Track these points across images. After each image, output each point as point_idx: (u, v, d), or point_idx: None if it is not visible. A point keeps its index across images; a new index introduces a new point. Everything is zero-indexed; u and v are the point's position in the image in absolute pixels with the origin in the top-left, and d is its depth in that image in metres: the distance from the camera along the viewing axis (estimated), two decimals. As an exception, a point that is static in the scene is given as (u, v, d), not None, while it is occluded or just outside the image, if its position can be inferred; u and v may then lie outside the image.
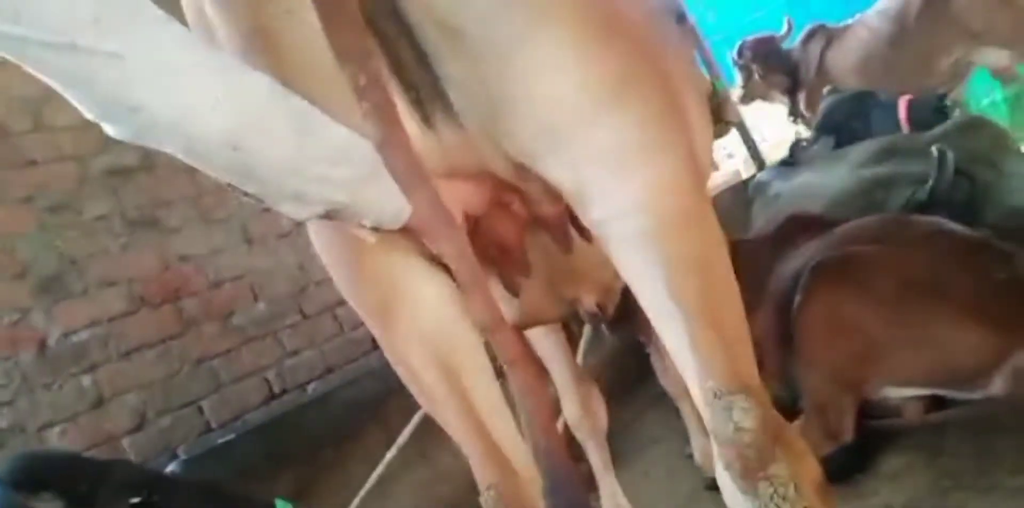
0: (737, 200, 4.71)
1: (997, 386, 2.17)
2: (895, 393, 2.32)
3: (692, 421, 2.58)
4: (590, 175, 1.04)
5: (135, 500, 1.65)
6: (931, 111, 3.88)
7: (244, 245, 3.54)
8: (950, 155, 3.14)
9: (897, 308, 2.28)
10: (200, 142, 0.87)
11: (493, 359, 1.24)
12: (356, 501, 2.34)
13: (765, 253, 2.91)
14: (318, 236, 1.24)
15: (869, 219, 2.79)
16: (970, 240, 2.44)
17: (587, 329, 3.07)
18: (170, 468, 2.53)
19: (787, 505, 0.99)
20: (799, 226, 2.99)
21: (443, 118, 1.04)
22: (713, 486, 2.42)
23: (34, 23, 0.77)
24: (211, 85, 0.86)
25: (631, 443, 3.11)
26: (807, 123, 5.94)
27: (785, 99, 6.03)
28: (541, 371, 1.35)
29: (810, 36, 5.70)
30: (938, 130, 3.50)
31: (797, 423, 2.30)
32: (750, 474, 1.00)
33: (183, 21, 1.07)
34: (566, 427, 2.83)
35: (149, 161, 3.37)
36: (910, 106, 3.92)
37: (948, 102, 3.99)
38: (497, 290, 1.58)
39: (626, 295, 3.03)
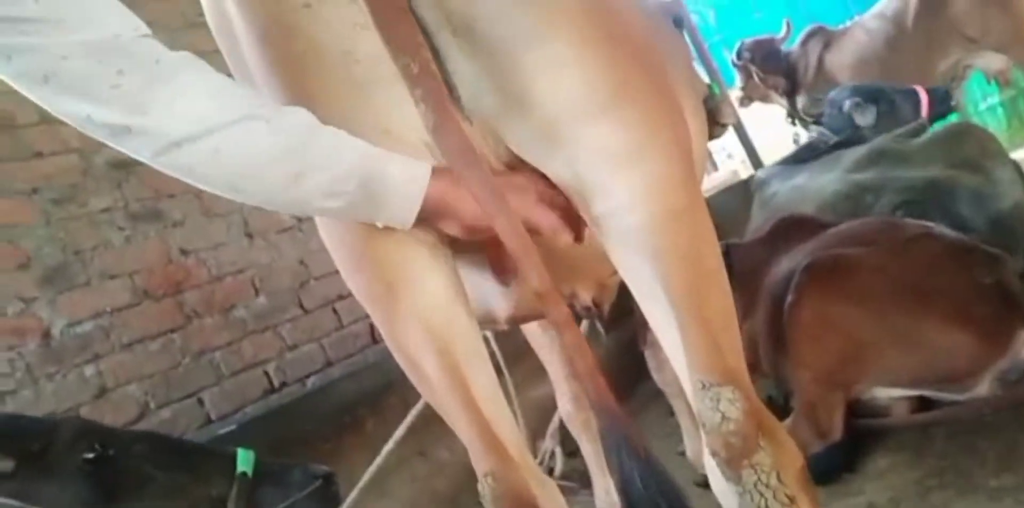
0: (734, 200, 4.76)
1: (983, 388, 2.23)
2: (883, 393, 2.38)
3: (685, 419, 2.63)
4: (589, 172, 1.09)
5: (89, 455, 1.63)
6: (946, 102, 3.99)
7: (245, 239, 3.58)
8: None
9: (886, 310, 2.33)
10: (201, 180, 1.03)
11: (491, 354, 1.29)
12: (354, 493, 2.38)
13: (759, 256, 2.95)
14: (326, 230, 1.28)
15: (861, 221, 2.84)
16: (958, 244, 2.49)
17: (583, 329, 3.12)
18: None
19: (769, 493, 1.04)
20: (792, 228, 3.03)
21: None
22: (704, 483, 2.46)
23: None
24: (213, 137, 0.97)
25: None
26: (805, 124, 5.99)
27: (783, 101, 6.07)
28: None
29: (809, 37, 5.74)
30: (927, 136, 3.55)
31: (787, 421, 2.35)
32: (735, 462, 1.04)
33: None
34: (560, 422, 2.89)
35: (153, 155, 3.40)
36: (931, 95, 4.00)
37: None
38: (494, 286, 1.63)
39: (621, 296, 3.08)
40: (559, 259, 1.59)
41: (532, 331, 2.42)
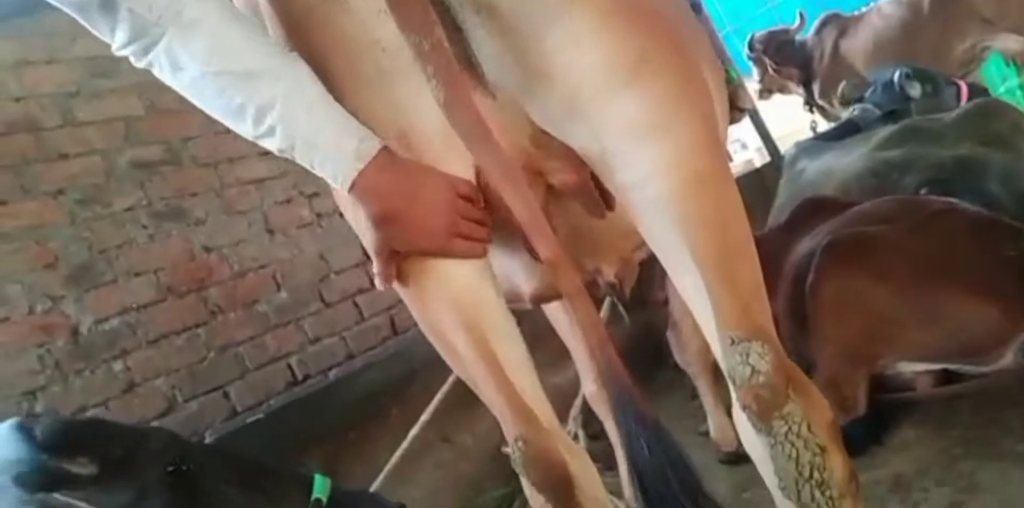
0: (748, 190, 4.74)
1: (1007, 360, 2.21)
2: (907, 367, 2.36)
3: (708, 398, 2.63)
4: (613, 143, 1.11)
5: (171, 468, 1.63)
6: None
7: (266, 235, 3.62)
8: None
9: (908, 284, 2.32)
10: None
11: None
12: (380, 478, 2.40)
13: (781, 242, 2.95)
14: (347, 204, 1.30)
15: (882, 200, 2.83)
16: (980, 217, 2.47)
17: (604, 311, 3.12)
18: (199, 447, 2.60)
19: (800, 442, 1.05)
20: (814, 209, 3.02)
21: (473, 87, 1.12)
22: (727, 460, 2.49)
23: None
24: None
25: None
26: (824, 113, 5.96)
27: (801, 90, 6.04)
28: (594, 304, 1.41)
29: (823, 25, 5.71)
30: (956, 113, 3.52)
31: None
32: (765, 414, 1.05)
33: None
34: (585, 402, 2.89)
35: (174, 155, 3.46)
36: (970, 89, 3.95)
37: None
38: (519, 261, 1.64)
39: (641, 280, 3.09)
40: (583, 234, 1.62)
41: (556, 315, 2.43)
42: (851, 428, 2.24)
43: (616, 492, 2.46)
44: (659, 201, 1.10)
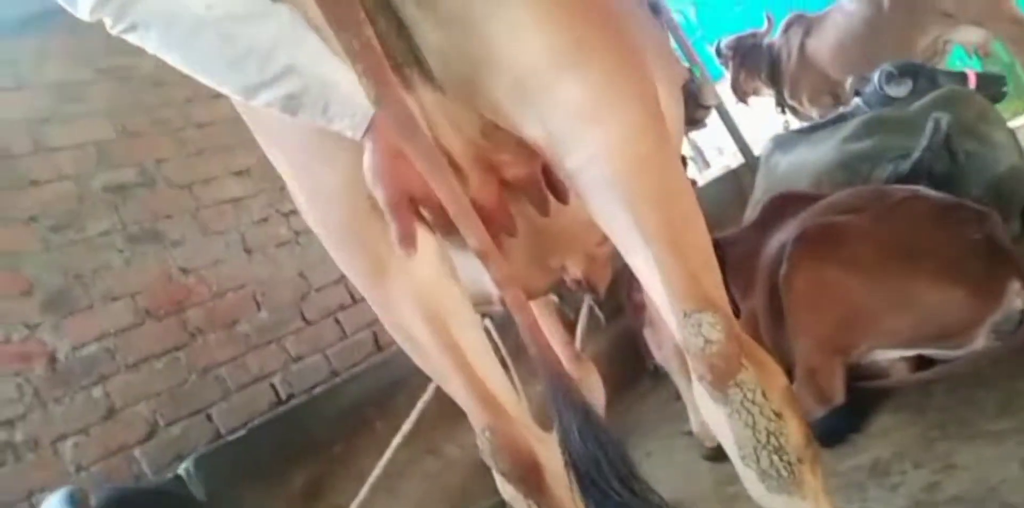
0: (724, 191, 4.79)
1: (979, 341, 2.23)
2: (882, 355, 2.38)
3: (687, 394, 2.63)
4: (559, 128, 1.12)
5: None
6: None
7: (244, 255, 3.61)
8: (944, 124, 3.13)
9: (878, 272, 2.33)
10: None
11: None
12: (364, 490, 2.39)
13: (753, 240, 2.97)
14: (312, 207, 1.30)
15: (849, 191, 2.86)
16: (945, 202, 2.50)
17: (582, 316, 3.13)
18: (183, 466, 2.58)
19: (756, 409, 1.06)
20: (783, 206, 3.04)
21: (422, 83, 1.14)
22: (710, 457, 2.49)
23: None
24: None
25: (633, 427, 3.16)
26: (795, 113, 6.02)
27: (772, 91, 6.10)
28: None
29: (789, 26, 5.79)
30: (923, 101, 3.53)
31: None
32: (720, 383, 1.07)
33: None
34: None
35: (147, 177, 3.45)
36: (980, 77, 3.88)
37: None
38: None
39: (618, 289, 3.09)
40: (544, 231, 1.62)
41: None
42: (829, 417, 2.25)
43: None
44: (606, 181, 1.12)
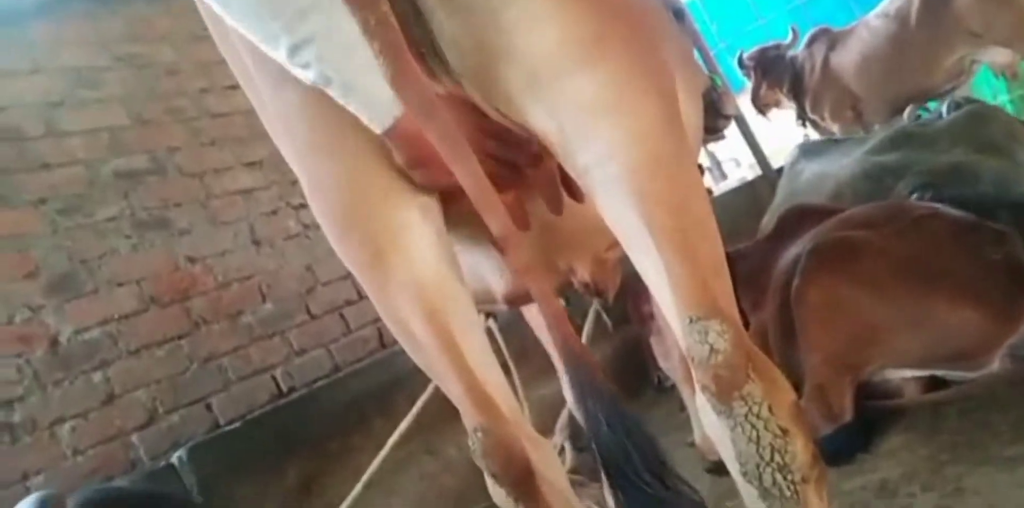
0: (741, 203, 4.75)
1: (995, 364, 2.18)
2: (894, 374, 2.33)
3: (693, 405, 2.59)
4: (571, 123, 1.09)
5: None
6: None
7: (252, 246, 3.60)
8: None
9: (894, 290, 2.29)
10: None
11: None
12: (357, 488, 2.35)
13: (767, 252, 2.93)
14: (315, 195, 1.27)
15: (867, 206, 2.81)
16: (964, 222, 2.45)
17: (589, 321, 3.10)
18: (176, 455, 2.55)
19: (761, 423, 1.01)
20: (798, 219, 3.00)
21: (440, 71, 1.11)
22: (712, 469, 2.44)
23: None
24: None
25: (636, 436, 3.11)
26: (816, 127, 5.98)
27: (793, 104, 6.06)
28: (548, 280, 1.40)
29: (813, 40, 5.74)
30: (950, 118, 3.51)
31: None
32: (725, 394, 1.02)
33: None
34: (569, 417, 2.85)
35: (159, 165, 3.45)
36: None
37: (960, 100, 3.96)
38: (492, 262, 1.62)
39: (624, 297, 3.05)
40: (554, 231, 1.59)
41: (539, 324, 2.39)
42: (838, 435, 2.20)
43: (600, 503, 2.42)
44: (617, 180, 1.08)
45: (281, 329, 3.51)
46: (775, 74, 5.89)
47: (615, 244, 1.43)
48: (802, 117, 5.90)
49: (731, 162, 7.60)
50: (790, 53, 5.91)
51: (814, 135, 5.87)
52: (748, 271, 2.81)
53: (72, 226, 3.13)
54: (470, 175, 1.05)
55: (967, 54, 4.86)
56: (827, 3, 7.17)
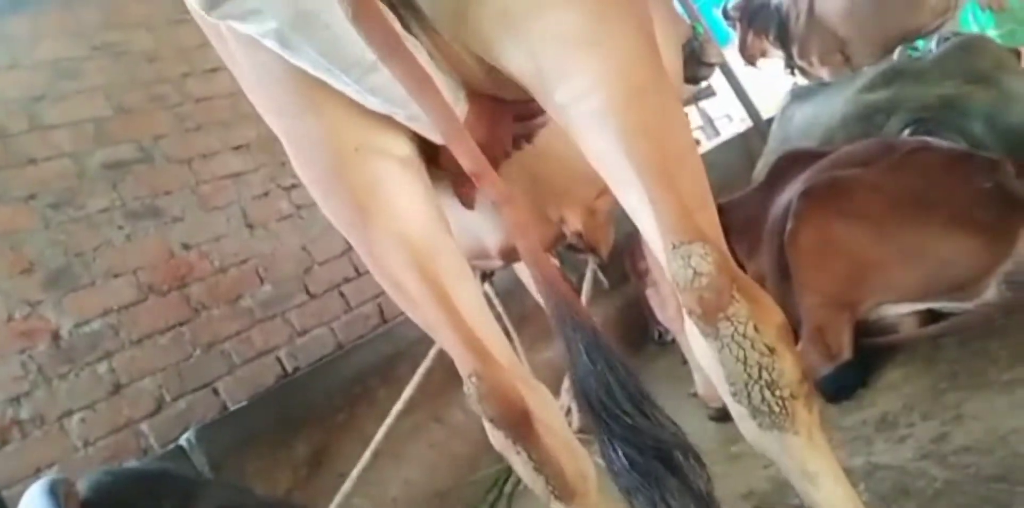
0: (732, 155, 4.71)
1: (991, 293, 2.17)
2: (891, 310, 2.32)
3: (692, 356, 2.59)
4: (549, 59, 1.08)
5: None
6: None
7: (246, 230, 3.60)
8: None
9: (886, 225, 2.27)
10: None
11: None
12: (367, 454, 2.37)
13: (760, 200, 2.91)
14: (299, 155, 1.27)
15: (857, 144, 2.78)
16: (954, 152, 2.43)
17: (587, 281, 3.09)
18: (184, 436, 2.57)
19: (747, 342, 1.01)
20: (790, 164, 2.98)
21: (419, 27, 1.12)
22: (716, 417, 2.45)
23: None
24: None
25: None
26: (805, 74, 5.89)
27: (781, 52, 5.98)
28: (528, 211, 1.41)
29: (797, -14, 5.64)
30: (940, 50, 3.46)
31: (797, 347, 2.30)
32: (710, 315, 1.02)
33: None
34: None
35: (146, 154, 3.43)
36: None
37: (949, 34, 3.90)
38: (486, 218, 1.62)
39: (621, 256, 3.02)
40: (544, 181, 1.59)
41: (531, 284, 2.39)
42: (838, 373, 2.20)
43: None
44: (598, 114, 1.07)
45: (282, 310, 3.51)
46: (760, 23, 5.80)
47: (605, 191, 1.42)
48: (790, 65, 5.81)
49: (724, 119, 7.53)
50: (774, 1, 5.81)
51: (803, 82, 5.79)
52: (743, 220, 2.79)
53: (64, 220, 3.12)
54: (439, 114, 1.05)
55: (953, -11, 4.77)
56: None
